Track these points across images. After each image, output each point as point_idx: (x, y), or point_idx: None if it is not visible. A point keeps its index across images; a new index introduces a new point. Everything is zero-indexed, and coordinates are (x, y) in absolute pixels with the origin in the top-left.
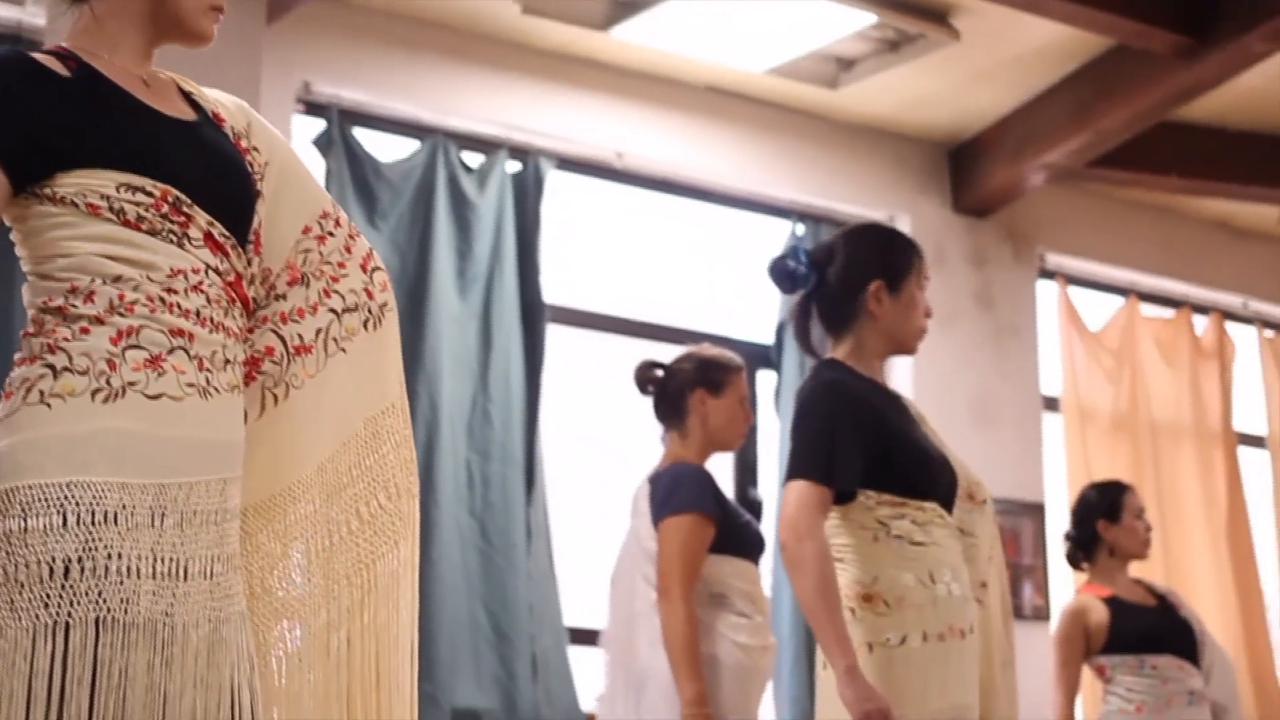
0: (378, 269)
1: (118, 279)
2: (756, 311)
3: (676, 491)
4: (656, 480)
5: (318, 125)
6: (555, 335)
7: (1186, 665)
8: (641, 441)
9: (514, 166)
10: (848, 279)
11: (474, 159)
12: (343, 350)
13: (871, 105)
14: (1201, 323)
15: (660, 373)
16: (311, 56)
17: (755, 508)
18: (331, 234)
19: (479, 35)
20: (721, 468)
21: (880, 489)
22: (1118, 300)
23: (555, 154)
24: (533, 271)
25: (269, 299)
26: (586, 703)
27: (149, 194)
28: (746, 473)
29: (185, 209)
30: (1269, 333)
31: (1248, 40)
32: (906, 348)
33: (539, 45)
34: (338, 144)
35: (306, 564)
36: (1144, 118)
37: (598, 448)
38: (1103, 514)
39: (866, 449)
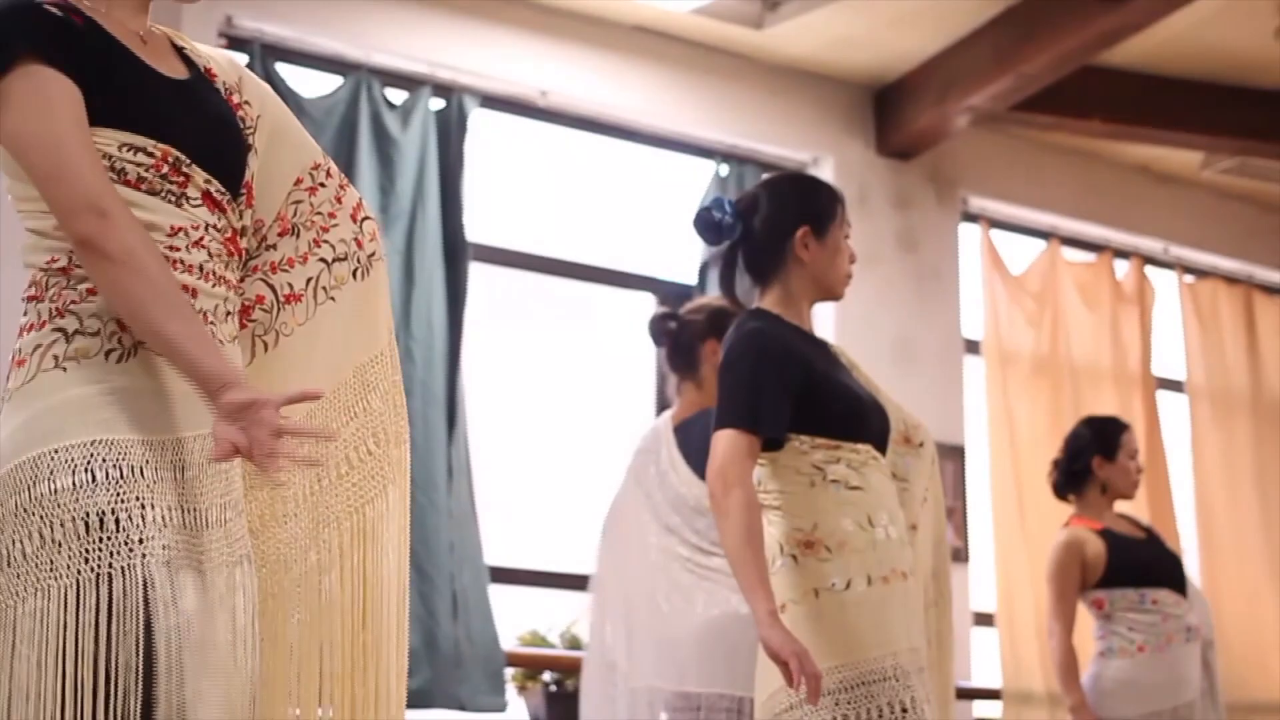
0: (367, 218)
1: None
2: (680, 252)
3: None
4: (688, 428)
5: (240, 60)
6: (478, 273)
7: (1180, 600)
8: (561, 380)
9: (438, 104)
10: (773, 227)
11: (397, 96)
12: (332, 299)
13: (796, 46)
14: (1123, 267)
15: (673, 324)
16: None
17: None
18: (323, 185)
19: None
20: (644, 407)
21: (813, 433)
22: (1040, 244)
23: (479, 91)
24: (456, 209)
25: (260, 249)
26: (507, 641)
27: (150, 154)
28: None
29: (184, 169)
30: (1189, 278)
31: None
32: (834, 293)
33: None
34: (260, 78)
35: (295, 508)
36: (1067, 61)
37: (519, 386)
38: (1099, 450)
39: (794, 395)
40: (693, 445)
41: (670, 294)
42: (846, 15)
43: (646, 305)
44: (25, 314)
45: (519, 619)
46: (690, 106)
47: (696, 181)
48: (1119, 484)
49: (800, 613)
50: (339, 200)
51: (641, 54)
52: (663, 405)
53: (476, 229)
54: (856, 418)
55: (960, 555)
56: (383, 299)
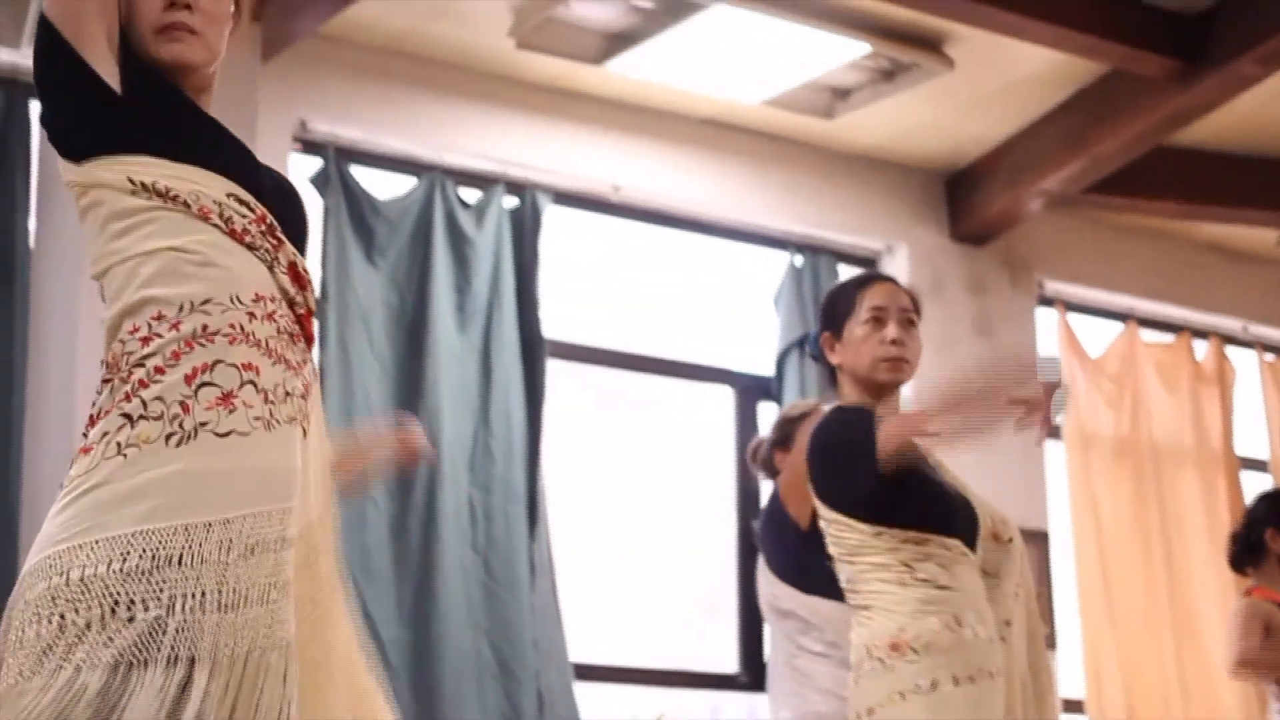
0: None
1: (205, 303)
2: (756, 343)
3: None
4: (761, 528)
5: (314, 163)
6: (555, 370)
7: None
8: (641, 474)
9: (511, 202)
10: (815, 345)
11: (471, 195)
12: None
13: (867, 135)
14: (1201, 347)
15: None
16: (307, 94)
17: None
18: None
19: (474, 71)
20: (725, 500)
21: (902, 525)
22: (1117, 326)
23: (552, 188)
24: (531, 306)
25: None
26: None
27: (251, 210)
28: (749, 504)
29: (278, 234)
30: (1269, 356)
31: (1240, 64)
32: (876, 378)
33: (534, 80)
34: (335, 182)
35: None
36: (1139, 143)
37: (599, 481)
38: (1273, 523)
39: (883, 481)
40: (762, 542)
41: (748, 386)
42: (916, 103)
43: (724, 398)
44: (98, 398)
45: (604, 716)
46: (763, 198)
47: (771, 272)
48: None
49: (887, 716)
50: None
51: (712, 146)
52: (744, 498)
53: (553, 325)
54: (945, 510)
55: (1046, 641)
56: None
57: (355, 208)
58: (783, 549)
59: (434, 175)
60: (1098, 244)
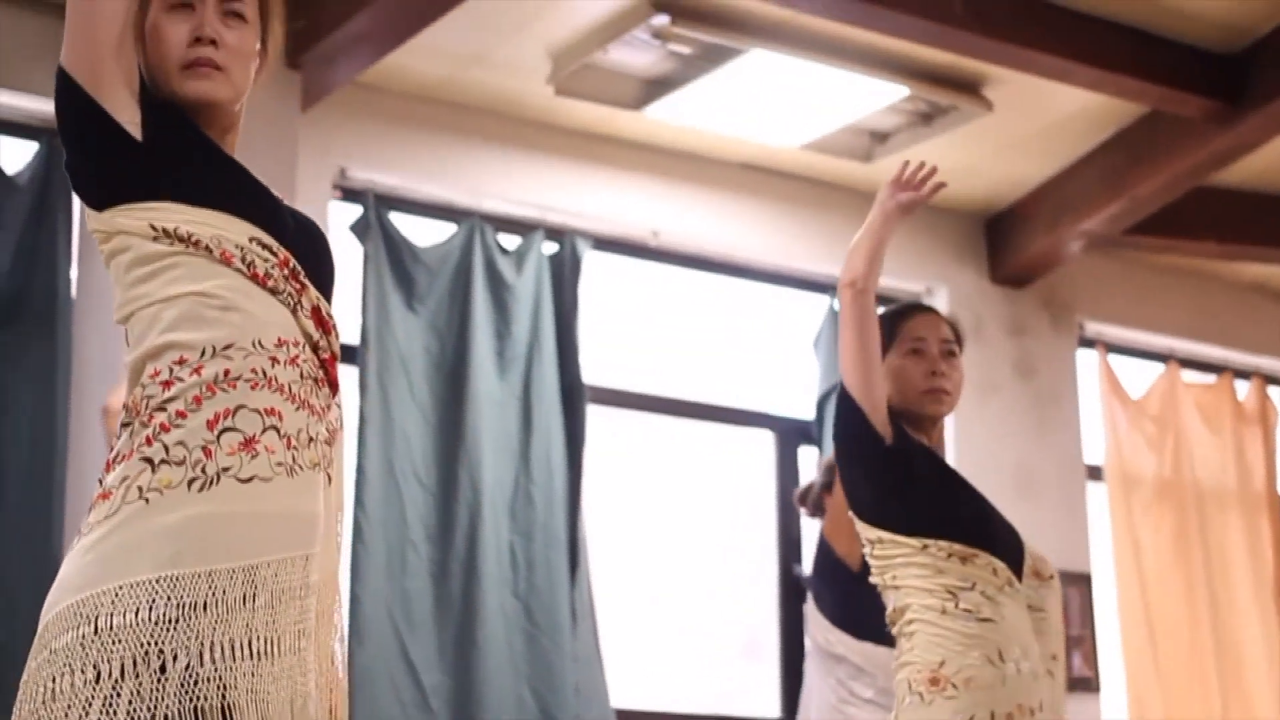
0: None
1: (228, 348)
2: (795, 387)
3: None
4: (812, 574)
5: (354, 211)
6: (596, 415)
7: None
8: (683, 519)
9: (550, 247)
10: None
11: (510, 241)
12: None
13: None
14: (1243, 387)
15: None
16: (347, 142)
17: (799, 583)
18: None
19: (513, 117)
20: (766, 544)
21: (948, 536)
22: (1158, 367)
23: (591, 234)
24: (571, 352)
25: None
26: None
27: (274, 253)
28: (790, 548)
29: (301, 278)
30: None
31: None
32: (918, 408)
33: (573, 126)
34: (375, 229)
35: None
36: (1179, 183)
37: (640, 527)
38: None
39: (930, 490)
40: (812, 586)
41: (788, 430)
42: (955, 145)
43: (765, 442)
44: (116, 441)
45: None
46: (802, 241)
47: (811, 316)
48: None
49: None
50: None
51: (751, 191)
52: (785, 541)
53: (593, 371)
54: (986, 525)
55: (1091, 685)
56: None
57: (395, 254)
58: (834, 592)
59: (473, 221)
60: (1138, 285)
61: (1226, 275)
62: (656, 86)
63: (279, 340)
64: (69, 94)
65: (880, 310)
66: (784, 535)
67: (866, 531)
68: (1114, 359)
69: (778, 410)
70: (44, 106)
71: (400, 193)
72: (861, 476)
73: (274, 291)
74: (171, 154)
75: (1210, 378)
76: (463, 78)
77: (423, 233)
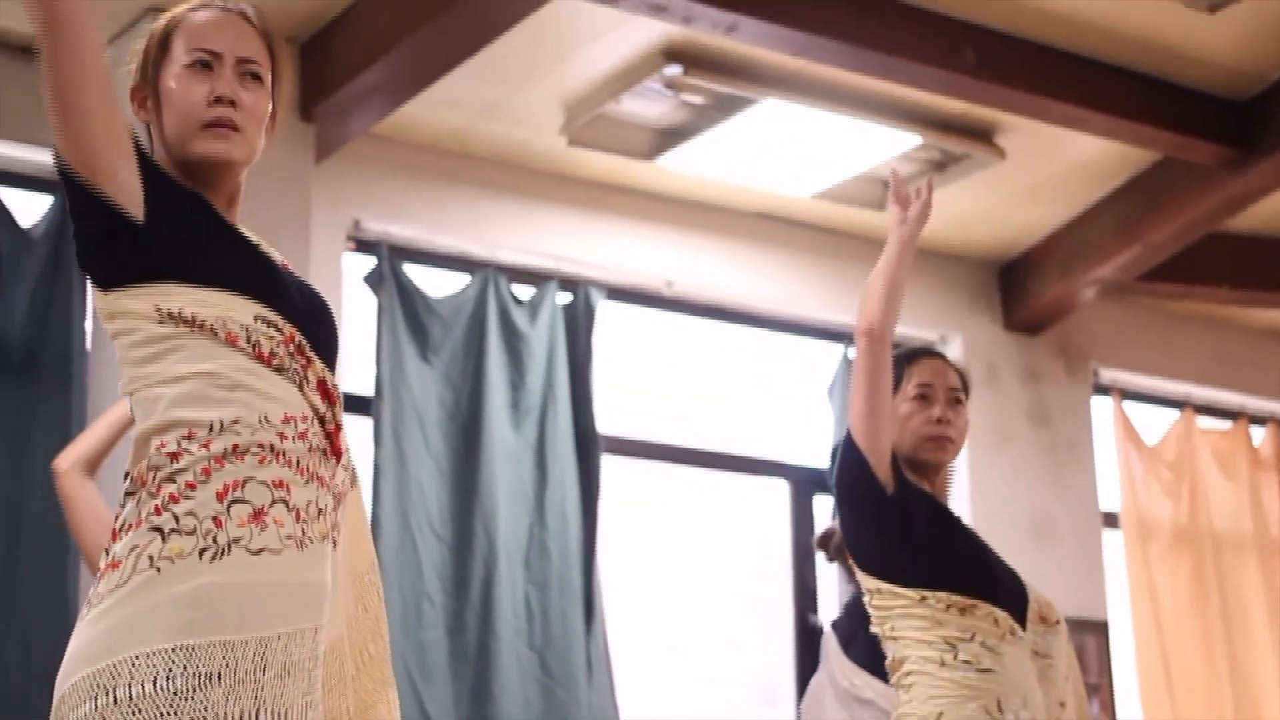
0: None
1: (235, 424)
2: (810, 436)
3: None
4: (839, 619)
5: (368, 262)
6: (610, 465)
7: None
8: (698, 569)
9: (564, 298)
10: None
11: (524, 291)
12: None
13: None
14: (1259, 433)
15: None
16: (361, 194)
17: (815, 633)
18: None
19: (526, 168)
20: (782, 593)
21: (947, 588)
22: (1173, 413)
23: (605, 284)
24: (586, 402)
25: None
26: None
27: (280, 330)
28: (806, 597)
29: (307, 353)
30: None
31: None
32: (920, 455)
33: (586, 176)
34: (389, 280)
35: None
36: (1192, 230)
37: (656, 577)
38: None
39: (928, 540)
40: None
41: (803, 479)
42: (968, 193)
43: (779, 491)
44: (122, 511)
45: None
46: (815, 290)
47: (825, 365)
48: None
49: None
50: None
51: (765, 240)
52: (801, 590)
53: (607, 421)
54: (987, 574)
55: None
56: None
57: (409, 306)
58: (868, 635)
59: (487, 272)
60: (1153, 331)
61: (1241, 321)
62: (669, 136)
63: (286, 416)
64: (67, 181)
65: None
66: (799, 584)
67: (865, 581)
68: (1129, 405)
69: (792, 459)
70: None
71: (414, 244)
72: (860, 525)
73: (280, 369)
74: (175, 233)
75: (1226, 424)
76: (476, 129)
77: (436, 284)
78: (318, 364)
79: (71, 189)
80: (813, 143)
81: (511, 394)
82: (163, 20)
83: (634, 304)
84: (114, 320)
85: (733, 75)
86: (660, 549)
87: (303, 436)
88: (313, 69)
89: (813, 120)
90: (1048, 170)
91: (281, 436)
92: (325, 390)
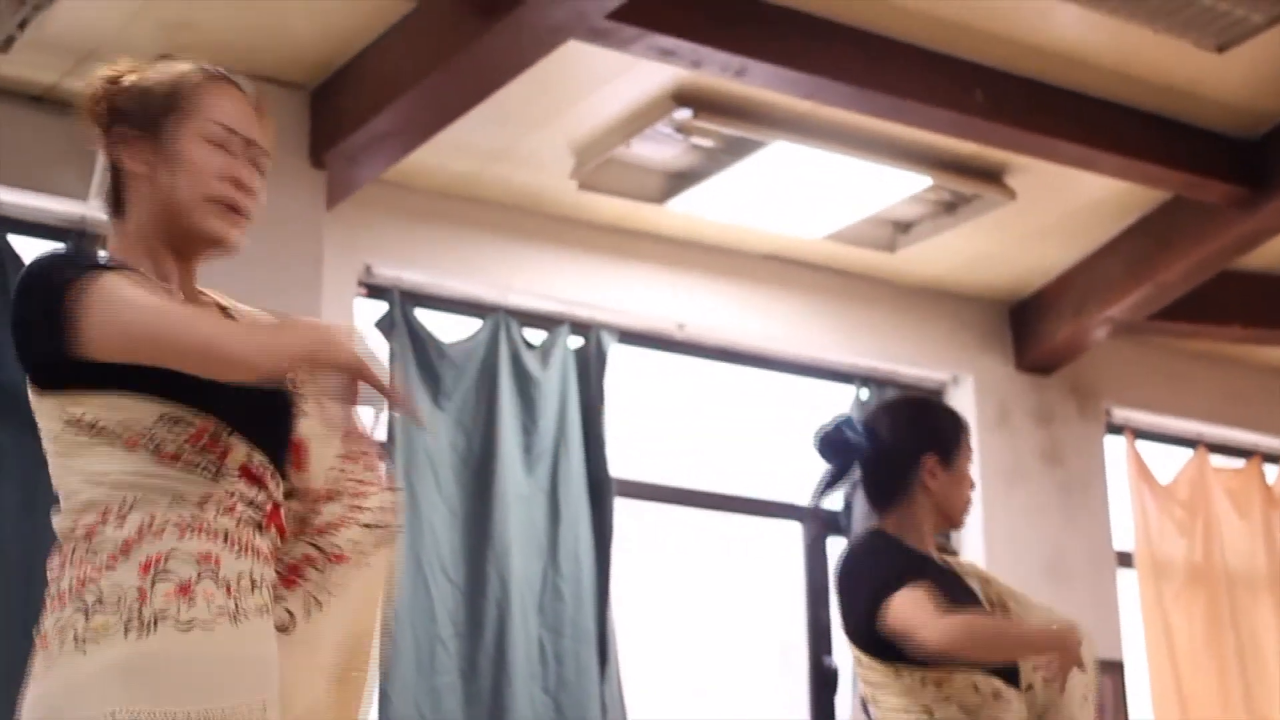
0: (394, 489)
1: (150, 503)
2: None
3: None
4: None
5: (380, 307)
6: (623, 509)
7: None
8: (712, 612)
9: (576, 342)
10: (900, 452)
11: (536, 335)
12: (369, 565)
13: (930, 267)
14: (1273, 471)
15: None
16: (371, 239)
17: (830, 675)
18: (362, 453)
19: (537, 212)
20: (796, 635)
21: (923, 665)
22: (1186, 452)
23: (617, 327)
24: (598, 446)
25: (312, 514)
26: None
27: (189, 424)
28: (820, 640)
29: (225, 438)
30: None
31: None
32: (955, 521)
33: (596, 220)
34: (400, 325)
35: None
36: (1203, 269)
37: (670, 620)
38: None
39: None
40: None
41: (816, 521)
42: (978, 234)
43: (793, 534)
44: (48, 588)
45: None
46: (827, 332)
47: (837, 406)
48: None
49: None
50: (372, 469)
51: (776, 282)
52: (815, 633)
53: (620, 464)
54: None
55: None
56: (392, 573)
57: (421, 351)
58: None
59: (498, 316)
60: (1165, 370)
61: (1253, 359)
62: (680, 180)
63: (202, 497)
64: (52, 343)
65: (929, 399)
66: (814, 626)
67: (849, 647)
68: (1142, 445)
69: (805, 501)
70: (69, 208)
71: (425, 289)
72: (851, 605)
73: (188, 466)
74: None
75: (1239, 462)
76: (486, 174)
77: (448, 328)
78: (239, 449)
79: (46, 344)
80: (823, 185)
81: (524, 438)
82: (173, 74)
83: (646, 347)
84: (36, 415)
85: (742, 118)
86: (673, 592)
87: (230, 511)
88: (323, 115)
89: (823, 162)
90: (1058, 210)
91: (200, 509)
92: (250, 474)
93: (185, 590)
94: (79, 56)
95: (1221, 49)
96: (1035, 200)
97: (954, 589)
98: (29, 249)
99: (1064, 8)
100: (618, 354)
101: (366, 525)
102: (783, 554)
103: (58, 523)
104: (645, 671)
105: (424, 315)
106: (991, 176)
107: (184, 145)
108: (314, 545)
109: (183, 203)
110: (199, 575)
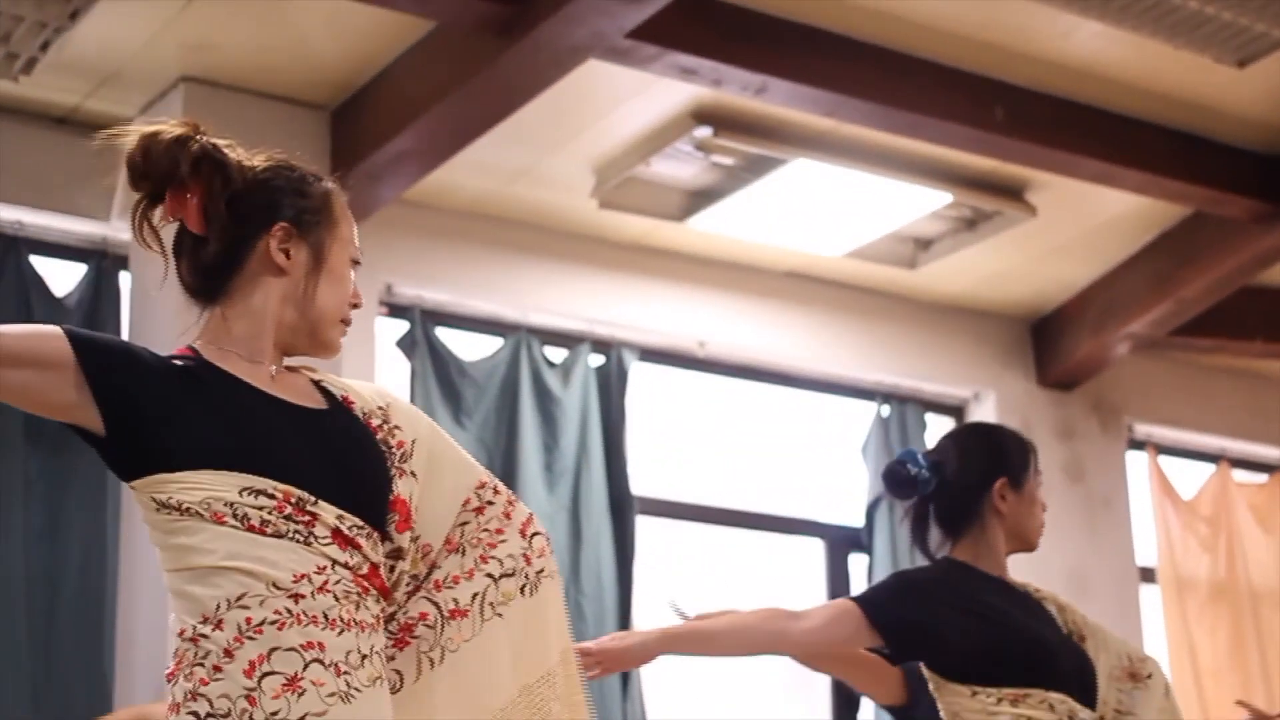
0: (537, 534)
1: (241, 598)
2: (845, 495)
3: None
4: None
5: (401, 327)
6: (645, 526)
7: None
8: None
9: (597, 360)
10: (969, 479)
11: (557, 354)
12: (499, 615)
13: (951, 283)
14: None
15: None
16: (392, 259)
17: (852, 695)
18: (490, 503)
19: (557, 231)
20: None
21: (996, 684)
22: (1209, 467)
23: (638, 345)
24: (619, 463)
25: (428, 572)
26: None
27: (271, 496)
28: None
29: (309, 508)
30: None
31: None
32: (1029, 544)
33: (617, 238)
34: (421, 345)
35: None
36: (1225, 284)
37: None
38: None
39: (976, 637)
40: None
41: (838, 538)
42: (999, 250)
43: (814, 550)
44: (171, 691)
45: None
46: (848, 349)
47: (859, 423)
48: None
49: None
50: (507, 516)
51: (797, 299)
52: None
53: (641, 482)
54: (1039, 663)
55: None
56: (555, 616)
57: (442, 370)
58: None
59: (520, 335)
60: (1187, 386)
61: (1275, 374)
62: (700, 198)
63: (296, 576)
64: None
65: (995, 425)
66: None
67: (926, 672)
68: (1164, 460)
69: (827, 518)
70: (91, 229)
71: (446, 308)
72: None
73: (277, 535)
74: (142, 431)
75: (1262, 477)
76: (507, 193)
77: (469, 347)
78: (327, 515)
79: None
80: (843, 202)
81: (545, 456)
82: (327, 185)
83: (667, 365)
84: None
85: (763, 136)
86: (695, 610)
87: (324, 589)
88: (344, 136)
89: (843, 180)
90: (1079, 226)
91: (297, 597)
92: (342, 537)
93: (293, 685)
94: (101, 78)
95: (1242, 64)
96: (1056, 216)
97: (1033, 614)
98: (51, 270)
99: (1084, 24)
100: (639, 372)
101: (492, 575)
102: (804, 571)
103: (172, 620)
104: (667, 688)
105: (445, 334)
106: (1012, 193)
107: (338, 262)
108: (430, 600)
109: (324, 315)
110: (305, 664)
